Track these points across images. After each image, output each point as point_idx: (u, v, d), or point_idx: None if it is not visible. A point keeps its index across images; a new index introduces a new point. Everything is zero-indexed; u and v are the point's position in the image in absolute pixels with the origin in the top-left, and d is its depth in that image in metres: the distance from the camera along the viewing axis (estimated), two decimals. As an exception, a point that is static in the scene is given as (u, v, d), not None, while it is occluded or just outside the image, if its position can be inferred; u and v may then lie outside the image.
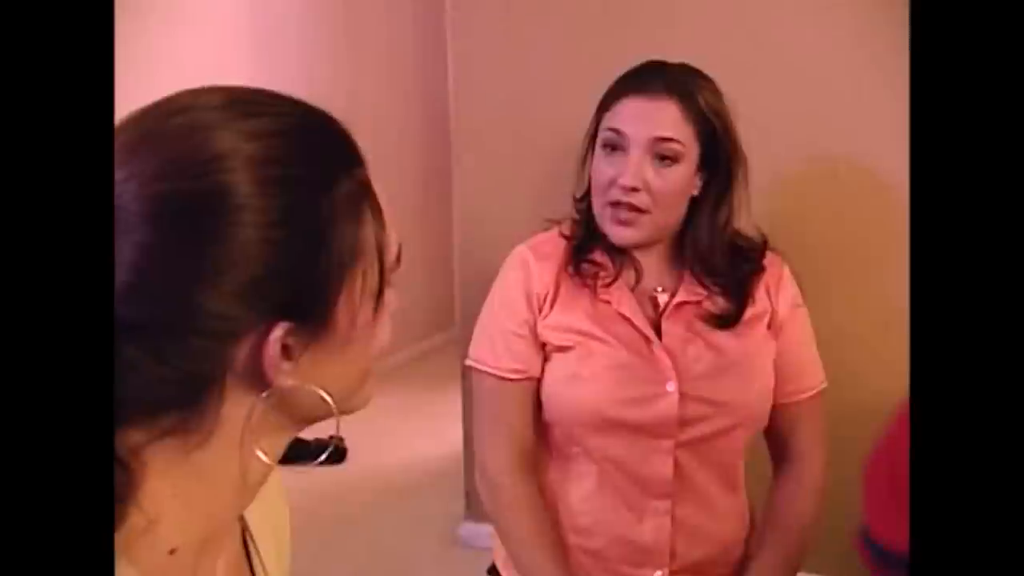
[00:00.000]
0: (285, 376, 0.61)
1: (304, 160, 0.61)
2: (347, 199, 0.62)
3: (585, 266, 1.31)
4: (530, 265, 1.32)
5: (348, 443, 3.32)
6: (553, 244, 1.35)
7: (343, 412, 0.67)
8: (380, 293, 0.65)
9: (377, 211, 0.64)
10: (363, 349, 0.66)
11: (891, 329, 2.03)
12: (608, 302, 1.30)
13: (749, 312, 1.32)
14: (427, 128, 4.46)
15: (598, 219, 1.30)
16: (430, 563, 2.66)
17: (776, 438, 1.40)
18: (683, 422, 1.27)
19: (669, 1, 2.20)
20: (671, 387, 1.26)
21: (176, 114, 0.60)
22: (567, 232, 1.35)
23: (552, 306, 1.31)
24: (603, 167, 1.27)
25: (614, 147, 1.26)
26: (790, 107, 2.11)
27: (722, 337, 1.30)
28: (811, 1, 2.09)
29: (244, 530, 0.75)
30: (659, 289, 1.32)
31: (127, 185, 0.56)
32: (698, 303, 1.31)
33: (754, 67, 2.11)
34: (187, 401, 0.60)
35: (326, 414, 0.65)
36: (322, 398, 0.64)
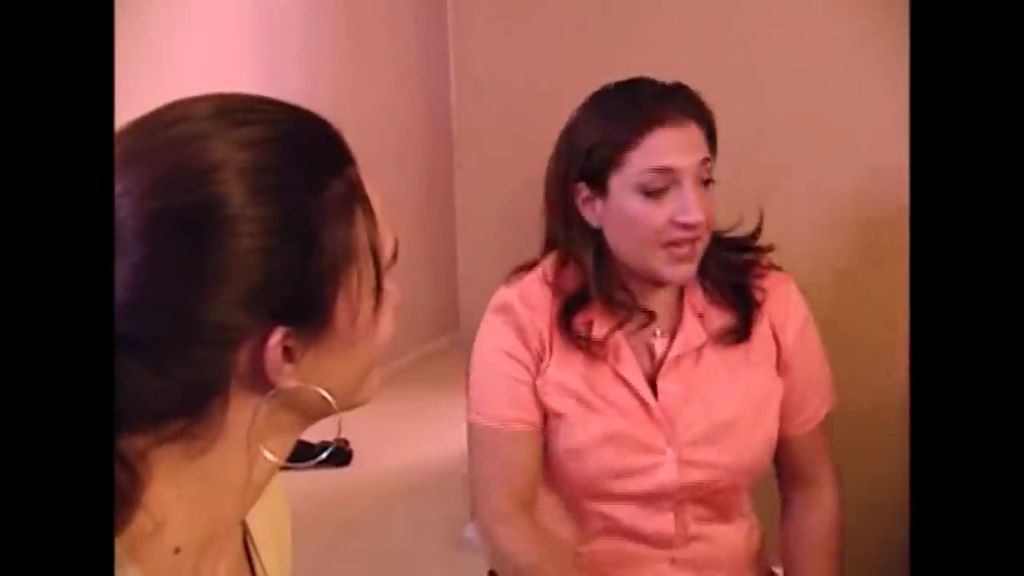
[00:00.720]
0: (287, 378, 0.62)
1: (294, 166, 0.61)
2: (337, 201, 0.62)
3: (579, 325, 1.23)
4: (519, 313, 1.25)
5: (353, 446, 3.32)
6: (540, 292, 1.26)
7: (350, 406, 0.68)
8: (378, 290, 0.66)
9: (368, 210, 0.65)
10: (366, 345, 0.66)
11: (895, 330, 2.02)
12: (604, 359, 1.23)
13: (755, 354, 1.26)
14: (429, 130, 4.46)
15: (642, 262, 1.20)
16: (435, 565, 2.66)
17: (786, 466, 1.34)
18: (683, 485, 1.24)
19: (670, 2, 2.20)
20: (670, 453, 1.23)
21: (168, 126, 0.60)
22: (550, 278, 1.26)
23: (547, 362, 1.25)
24: (649, 210, 1.17)
25: (657, 187, 1.16)
26: (789, 108, 2.11)
27: (724, 390, 1.24)
28: (811, 2, 2.08)
29: (245, 533, 0.75)
30: (657, 332, 1.25)
31: (123, 200, 0.57)
32: (698, 349, 1.25)
33: (753, 68, 2.11)
34: (191, 409, 0.60)
35: (331, 411, 0.66)
36: (324, 398, 0.64)
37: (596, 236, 1.22)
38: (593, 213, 1.22)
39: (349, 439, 3.32)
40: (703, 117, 1.20)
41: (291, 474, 0.76)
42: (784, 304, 1.28)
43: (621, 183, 1.18)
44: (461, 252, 2.53)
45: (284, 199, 0.60)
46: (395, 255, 0.68)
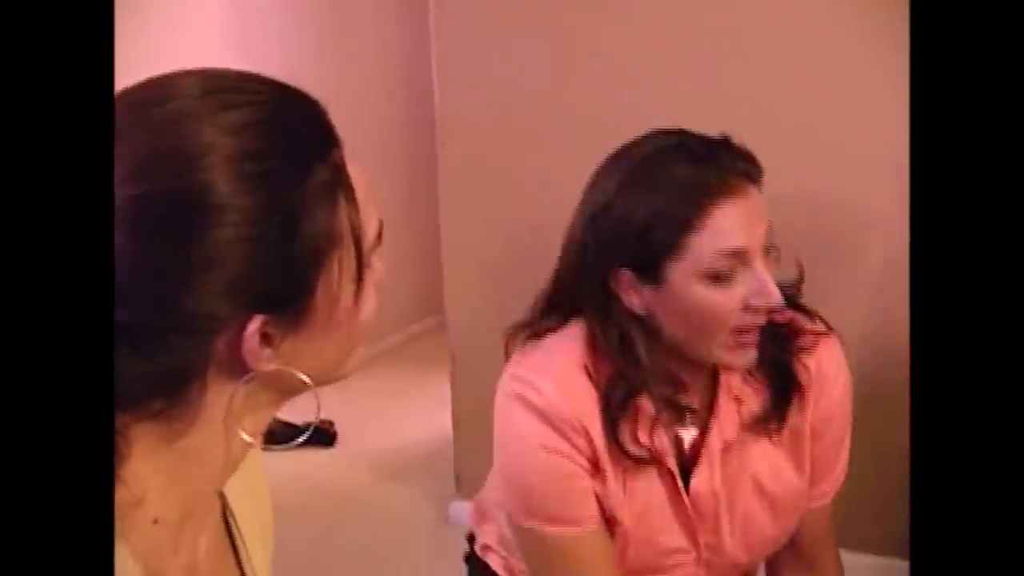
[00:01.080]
0: (266, 362, 0.61)
1: (280, 152, 0.60)
2: (321, 187, 0.61)
3: (626, 432, 1.07)
4: (559, 408, 1.06)
5: (338, 427, 3.32)
6: (580, 383, 1.07)
7: (330, 381, 0.68)
8: (360, 276, 0.65)
9: (351, 195, 0.63)
10: (346, 329, 0.66)
11: (894, 328, 2.03)
12: (648, 459, 1.09)
13: (786, 446, 1.14)
14: (412, 116, 4.44)
15: (702, 351, 1.05)
16: (421, 542, 2.67)
17: (788, 546, 1.21)
18: None
19: (658, 1, 2.17)
20: (692, 555, 1.15)
21: (152, 105, 0.59)
22: (590, 368, 1.08)
23: (595, 467, 1.09)
24: (717, 297, 1.00)
25: (725, 271, 1.00)
26: (788, 106, 2.10)
27: (753, 489, 1.14)
28: (810, 1, 2.06)
29: (225, 508, 0.75)
30: (688, 419, 1.12)
31: None
32: (728, 445, 1.11)
33: (751, 66, 2.10)
34: (170, 392, 0.60)
35: (309, 388, 0.66)
36: (302, 380, 0.64)
37: (643, 323, 1.06)
38: (639, 300, 1.05)
39: (334, 421, 3.32)
40: (758, 174, 1.03)
41: (277, 457, 0.76)
42: (820, 383, 1.14)
43: (681, 270, 1.00)
44: (444, 234, 2.52)
45: (269, 187, 0.59)
46: (379, 236, 0.67)
